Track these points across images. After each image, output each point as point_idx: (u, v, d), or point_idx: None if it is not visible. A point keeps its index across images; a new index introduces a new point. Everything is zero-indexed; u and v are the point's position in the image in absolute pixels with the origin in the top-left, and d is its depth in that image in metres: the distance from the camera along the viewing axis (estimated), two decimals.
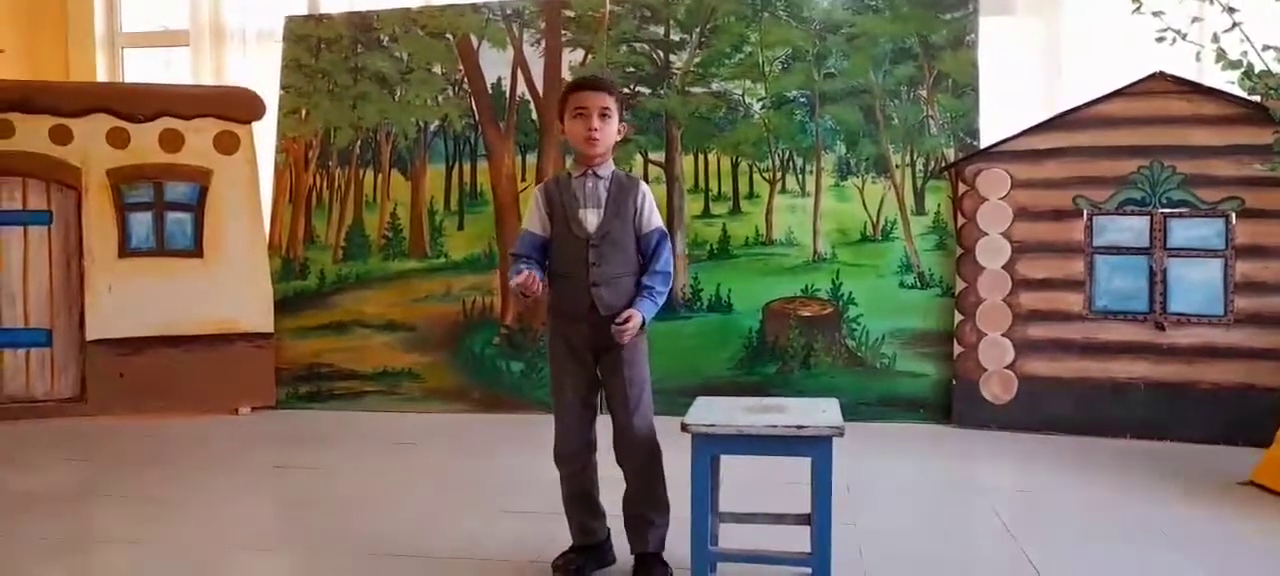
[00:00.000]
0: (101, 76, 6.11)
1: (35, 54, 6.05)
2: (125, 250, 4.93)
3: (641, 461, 2.53)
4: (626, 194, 2.53)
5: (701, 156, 5.01)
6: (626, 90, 5.01)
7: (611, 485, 2.60)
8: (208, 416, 4.89)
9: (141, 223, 4.95)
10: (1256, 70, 3.83)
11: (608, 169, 2.56)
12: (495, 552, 2.78)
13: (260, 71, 5.73)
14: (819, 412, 2.40)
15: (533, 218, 2.60)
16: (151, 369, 4.88)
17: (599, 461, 2.62)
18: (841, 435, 2.26)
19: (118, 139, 4.95)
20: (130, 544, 2.92)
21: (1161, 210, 4.23)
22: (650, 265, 2.53)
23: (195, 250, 5.00)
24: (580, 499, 2.61)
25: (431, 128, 5.33)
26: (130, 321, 4.88)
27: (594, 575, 2.61)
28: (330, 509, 3.29)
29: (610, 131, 2.52)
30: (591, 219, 2.51)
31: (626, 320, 2.42)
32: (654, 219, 2.56)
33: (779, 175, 4.94)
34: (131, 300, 4.88)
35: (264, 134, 5.34)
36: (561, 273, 2.55)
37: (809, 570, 2.33)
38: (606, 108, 2.50)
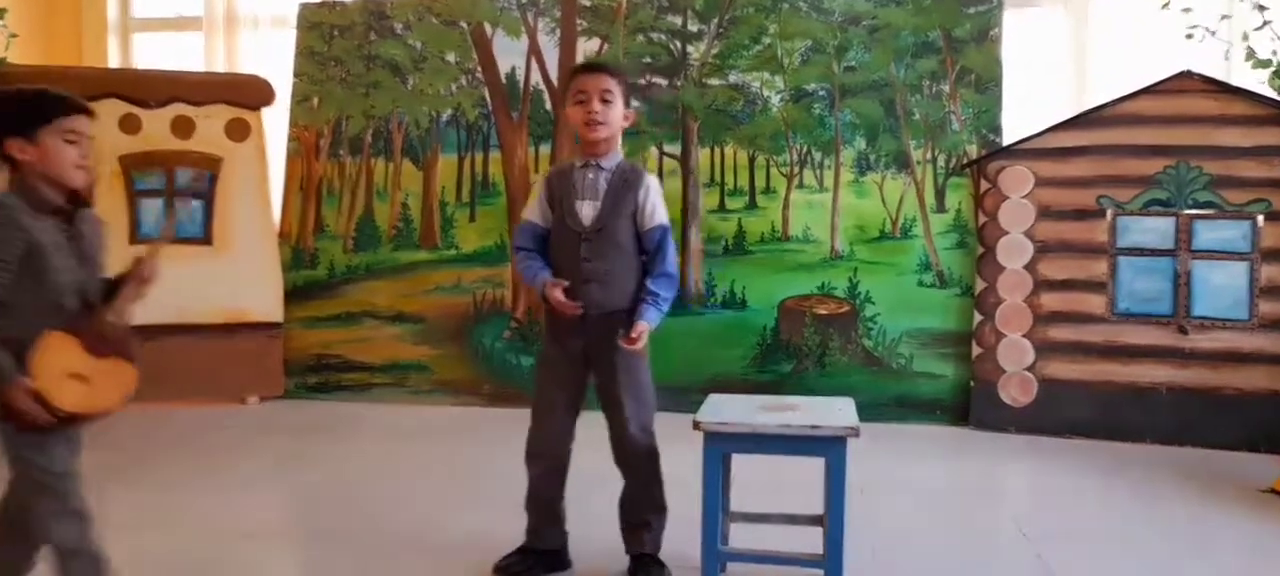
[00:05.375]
0: (113, 62, 6.08)
1: (48, 39, 6.03)
2: (135, 237, 4.89)
3: (640, 465, 2.48)
4: (629, 187, 2.44)
5: (718, 150, 4.93)
6: (642, 81, 4.95)
7: (606, 485, 2.55)
8: (216, 405, 4.87)
9: (151, 209, 4.93)
10: None
11: (613, 160, 2.47)
12: (503, 544, 2.72)
13: (273, 58, 5.69)
14: (834, 412, 2.37)
15: (533, 207, 2.52)
16: (160, 357, 4.78)
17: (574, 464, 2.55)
18: (856, 435, 2.23)
19: (129, 125, 4.93)
20: (138, 531, 2.87)
21: (1187, 211, 4.15)
22: (654, 266, 2.44)
23: (205, 238, 4.98)
24: (542, 502, 2.54)
25: (444, 117, 5.28)
26: (139, 308, 4.83)
27: None
28: (338, 499, 3.28)
29: (613, 116, 2.42)
30: (587, 211, 2.42)
31: (636, 337, 2.33)
32: (657, 214, 2.45)
33: (797, 170, 4.87)
34: None
35: (276, 122, 5.31)
36: (556, 267, 2.45)
37: (820, 571, 2.30)
38: (607, 91, 2.40)
